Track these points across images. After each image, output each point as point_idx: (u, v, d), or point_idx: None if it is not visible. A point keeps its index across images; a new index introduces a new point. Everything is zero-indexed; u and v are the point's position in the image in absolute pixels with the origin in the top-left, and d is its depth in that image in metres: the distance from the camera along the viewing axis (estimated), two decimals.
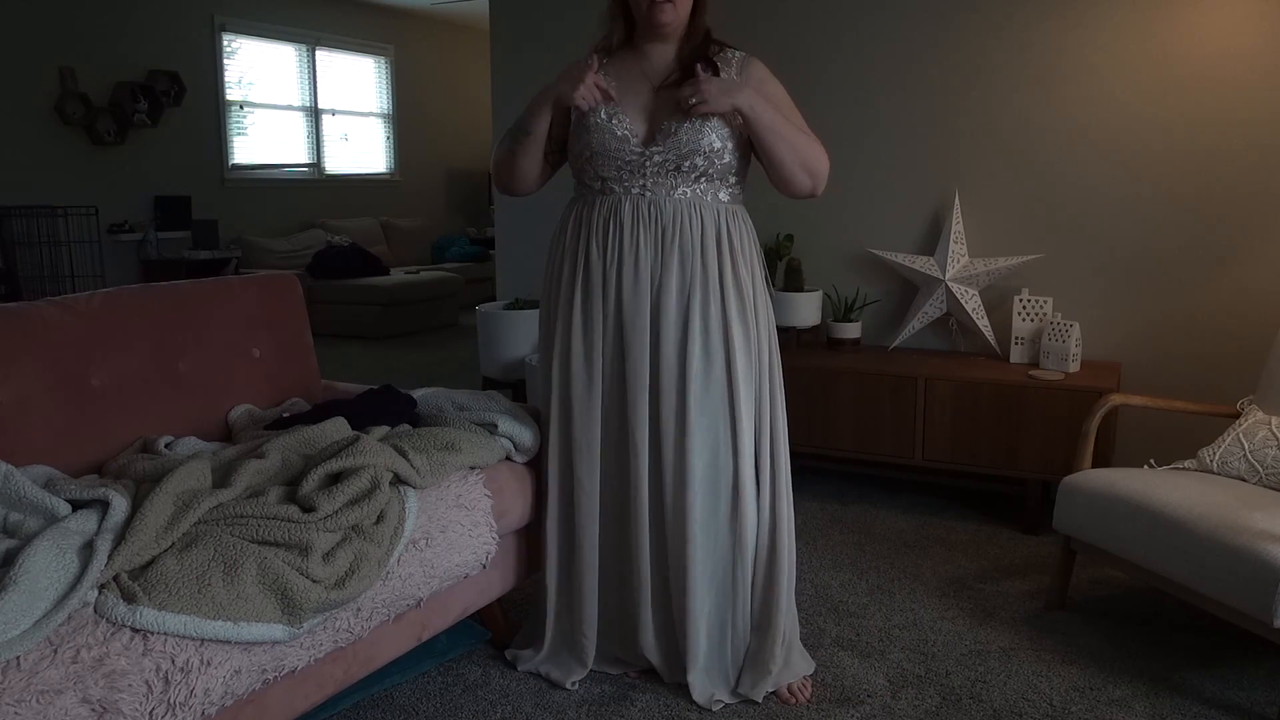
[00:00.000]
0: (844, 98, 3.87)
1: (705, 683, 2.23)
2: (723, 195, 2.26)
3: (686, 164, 2.18)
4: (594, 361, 2.23)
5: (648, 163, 2.17)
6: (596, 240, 2.22)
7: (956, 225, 3.61)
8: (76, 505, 1.71)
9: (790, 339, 3.76)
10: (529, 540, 2.38)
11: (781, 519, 2.26)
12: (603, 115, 2.17)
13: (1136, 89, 3.42)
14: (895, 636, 2.53)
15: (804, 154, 2.21)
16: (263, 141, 8.10)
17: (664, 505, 2.21)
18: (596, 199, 2.24)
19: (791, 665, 2.29)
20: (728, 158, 2.21)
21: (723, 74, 2.20)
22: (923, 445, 3.39)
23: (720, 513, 2.22)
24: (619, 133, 2.17)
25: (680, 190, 2.21)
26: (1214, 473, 2.59)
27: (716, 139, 2.18)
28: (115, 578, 1.53)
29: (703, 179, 2.21)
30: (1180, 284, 3.43)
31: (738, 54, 2.27)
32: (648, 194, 2.20)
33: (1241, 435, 2.60)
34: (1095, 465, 2.75)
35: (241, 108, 7.87)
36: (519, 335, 4.24)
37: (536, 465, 2.34)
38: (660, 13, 2.12)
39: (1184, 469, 2.65)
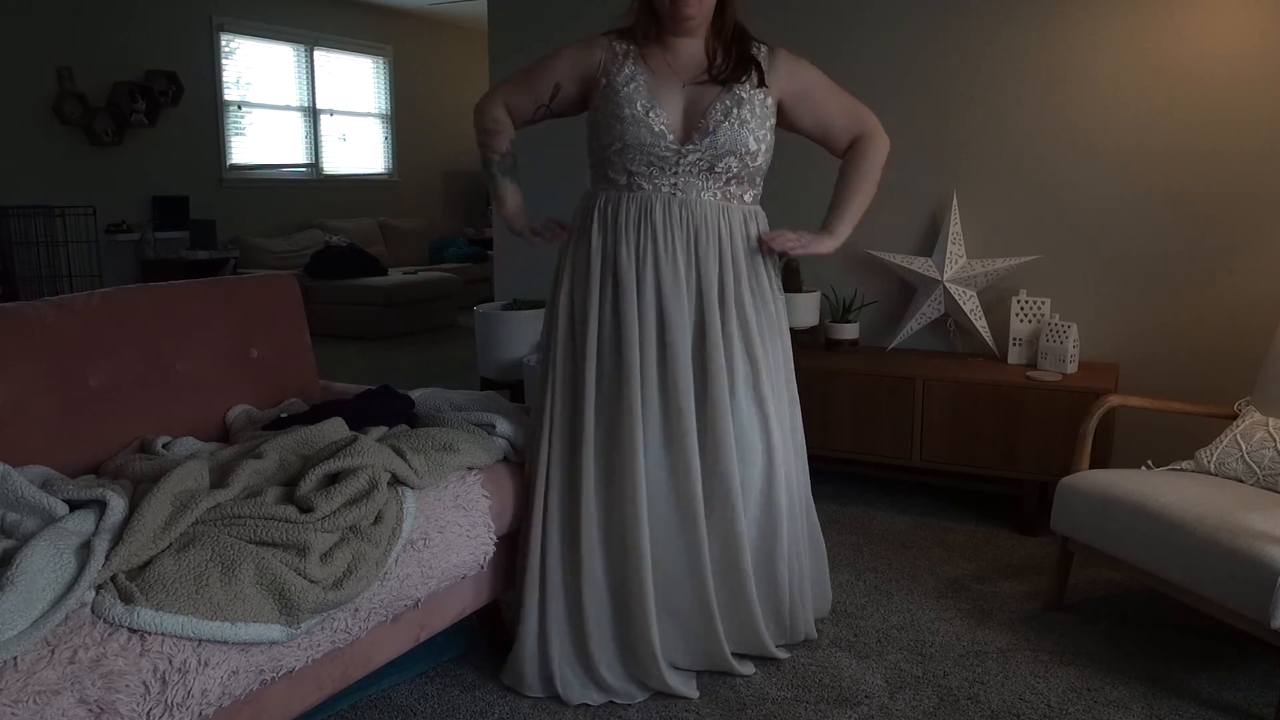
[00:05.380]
0: None
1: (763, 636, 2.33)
2: (748, 197, 2.25)
3: (720, 165, 2.14)
4: (631, 356, 2.16)
5: (681, 161, 2.14)
6: (626, 241, 2.16)
7: (954, 226, 3.61)
8: (74, 505, 1.71)
9: None
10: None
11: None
12: (639, 107, 2.12)
13: (1134, 91, 3.42)
14: (893, 637, 2.53)
15: (877, 177, 2.40)
16: (261, 142, 8.10)
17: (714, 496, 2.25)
18: (623, 196, 2.18)
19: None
20: (760, 160, 2.20)
21: (768, 63, 2.24)
22: (920, 446, 3.40)
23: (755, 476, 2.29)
24: (655, 128, 2.12)
25: (710, 191, 2.18)
26: (1211, 474, 2.59)
27: (753, 140, 2.15)
28: (113, 578, 1.52)
29: (733, 181, 2.19)
30: (1178, 285, 3.43)
31: (764, 47, 2.24)
32: (679, 194, 2.16)
33: (1239, 436, 2.60)
34: (1093, 466, 2.75)
35: (239, 108, 7.86)
36: (517, 336, 4.23)
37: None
38: (684, 6, 2.09)
39: (1181, 470, 2.65)
